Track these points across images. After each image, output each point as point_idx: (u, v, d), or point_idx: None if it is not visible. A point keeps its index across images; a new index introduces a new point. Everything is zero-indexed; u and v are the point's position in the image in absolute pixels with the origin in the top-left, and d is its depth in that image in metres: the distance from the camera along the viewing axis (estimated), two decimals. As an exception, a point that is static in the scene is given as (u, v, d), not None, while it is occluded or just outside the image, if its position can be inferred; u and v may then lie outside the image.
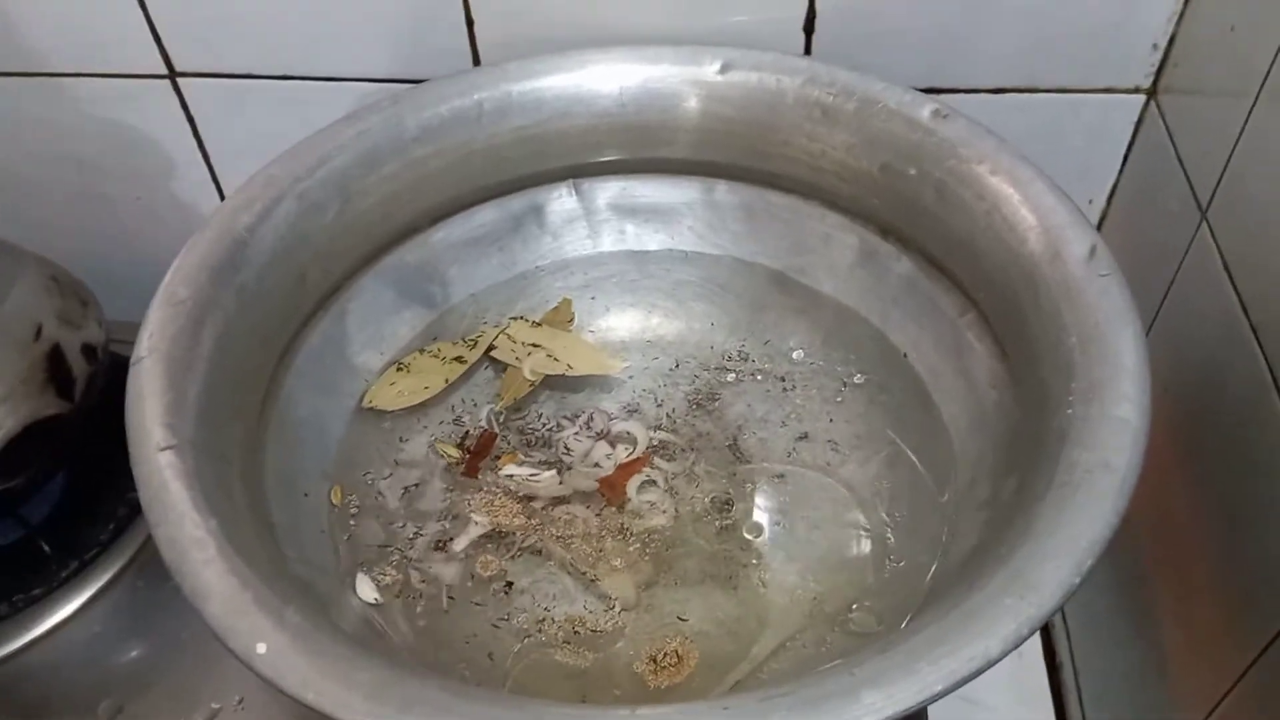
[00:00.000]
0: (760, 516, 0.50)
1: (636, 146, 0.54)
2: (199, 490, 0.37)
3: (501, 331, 0.56)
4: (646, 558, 0.48)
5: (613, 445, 0.52)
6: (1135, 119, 0.56)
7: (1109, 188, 0.60)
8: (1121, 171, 0.59)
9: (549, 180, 0.56)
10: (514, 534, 0.49)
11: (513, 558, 0.49)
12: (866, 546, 0.48)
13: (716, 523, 0.50)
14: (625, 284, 0.58)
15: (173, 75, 0.61)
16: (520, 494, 0.51)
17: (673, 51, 0.52)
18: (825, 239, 0.54)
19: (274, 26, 0.58)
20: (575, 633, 0.46)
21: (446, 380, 0.54)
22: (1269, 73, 0.43)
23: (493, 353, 0.55)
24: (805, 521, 0.49)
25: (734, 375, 0.55)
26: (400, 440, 0.53)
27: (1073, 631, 0.64)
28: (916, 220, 0.49)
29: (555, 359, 0.55)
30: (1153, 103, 0.55)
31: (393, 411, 0.53)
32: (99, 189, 0.68)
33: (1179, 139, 0.52)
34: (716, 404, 0.54)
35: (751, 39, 0.54)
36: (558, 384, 0.56)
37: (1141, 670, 0.53)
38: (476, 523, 0.49)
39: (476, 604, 0.47)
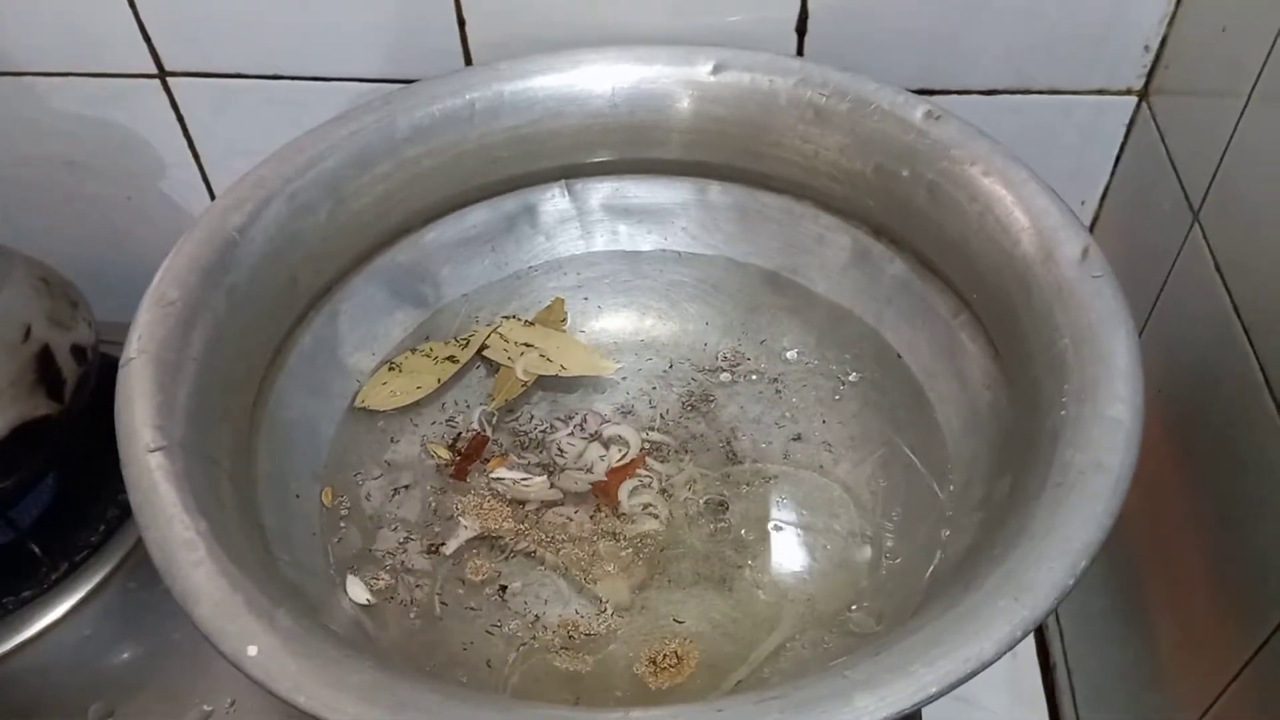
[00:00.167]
0: (754, 518, 0.49)
1: (629, 147, 0.54)
2: (189, 492, 0.37)
3: (494, 330, 0.56)
4: (640, 560, 0.48)
5: (606, 447, 0.52)
6: (1127, 120, 0.57)
7: (1101, 189, 0.60)
8: (1114, 173, 0.59)
9: (541, 180, 0.56)
10: (505, 538, 0.49)
11: (505, 559, 0.48)
12: (862, 547, 0.48)
13: (711, 525, 0.50)
14: (618, 285, 0.58)
15: (163, 75, 0.61)
16: (510, 498, 0.50)
17: (665, 52, 0.52)
18: (818, 240, 0.54)
19: (265, 26, 0.58)
20: (571, 637, 0.46)
21: (439, 379, 0.54)
22: (1260, 74, 0.43)
23: (485, 352, 0.55)
24: (800, 523, 0.49)
25: (728, 376, 0.55)
26: (392, 441, 0.53)
27: (1067, 631, 0.64)
28: (909, 221, 0.49)
29: (548, 359, 0.55)
30: (1145, 104, 0.55)
31: (385, 411, 0.53)
32: (89, 189, 0.67)
33: (1171, 140, 0.52)
34: (710, 405, 0.54)
35: (744, 39, 0.53)
36: (550, 385, 0.55)
37: (1135, 670, 0.53)
38: (465, 526, 0.49)
39: (470, 609, 0.47)
